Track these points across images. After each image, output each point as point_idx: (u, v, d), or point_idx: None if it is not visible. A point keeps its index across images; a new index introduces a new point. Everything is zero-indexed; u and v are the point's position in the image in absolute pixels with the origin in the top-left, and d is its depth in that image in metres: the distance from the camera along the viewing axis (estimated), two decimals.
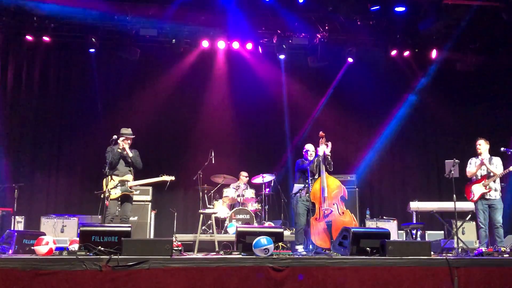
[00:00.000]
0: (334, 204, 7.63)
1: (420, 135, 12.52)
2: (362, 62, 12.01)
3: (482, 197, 8.00)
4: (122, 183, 7.60)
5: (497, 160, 8.17)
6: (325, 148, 7.88)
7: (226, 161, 11.46)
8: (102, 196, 7.62)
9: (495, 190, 8.00)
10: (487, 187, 7.97)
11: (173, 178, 7.95)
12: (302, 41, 11.52)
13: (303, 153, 8.34)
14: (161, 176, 7.86)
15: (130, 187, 7.65)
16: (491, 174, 8.00)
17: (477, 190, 8.05)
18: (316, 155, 8.02)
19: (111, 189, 7.50)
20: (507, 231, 9.09)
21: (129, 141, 7.92)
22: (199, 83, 12.27)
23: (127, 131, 8.03)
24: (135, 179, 7.93)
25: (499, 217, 7.89)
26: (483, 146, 8.21)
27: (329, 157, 7.92)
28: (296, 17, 10.95)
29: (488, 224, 7.98)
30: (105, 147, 7.98)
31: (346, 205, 7.92)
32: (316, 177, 7.91)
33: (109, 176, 7.45)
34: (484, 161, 8.06)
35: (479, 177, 8.12)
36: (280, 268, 5.19)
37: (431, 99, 12.45)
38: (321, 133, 8.01)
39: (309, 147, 8.27)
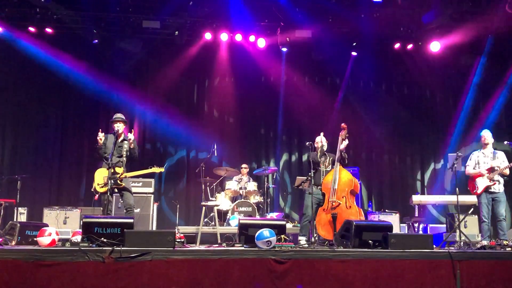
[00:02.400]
0: (343, 197, 7.60)
1: (424, 128, 12.50)
2: (365, 55, 11.99)
3: (486, 190, 7.98)
4: (113, 176, 7.24)
5: (501, 154, 8.14)
6: (345, 144, 7.85)
7: (228, 154, 11.48)
8: (92, 190, 7.55)
9: (499, 183, 7.99)
10: (492, 180, 7.95)
11: (162, 169, 7.70)
12: (305, 34, 11.48)
13: (315, 146, 8.28)
14: (151, 168, 7.71)
15: (121, 180, 7.48)
16: (495, 168, 7.96)
17: (481, 183, 8.01)
18: (324, 154, 7.99)
19: (103, 182, 7.37)
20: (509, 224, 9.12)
21: (118, 125, 7.55)
22: (201, 76, 12.28)
23: (116, 115, 7.77)
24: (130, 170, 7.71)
25: (502, 210, 7.87)
26: (489, 138, 8.19)
27: (343, 153, 7.88)
28: (299, 10, 10.91)
29: (491, 217, 7.96)
30: None
31: None
32: (328, 169, 7.90)
33: (111, 169, 7.26)
34: (486, 176, 8.00)
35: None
36: (282, 260, 5.19)
37: (435, 93, 12.45)
38: (343, 124, 7.90)
39: (317, 139, 8.23)
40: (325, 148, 8.12)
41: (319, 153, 7.96)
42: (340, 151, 7.81)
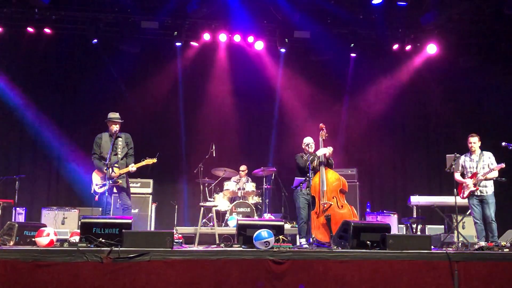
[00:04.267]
0: (333, 198, 7.62)
1: (422, 129, 12.51)
2: (363, 56, 12.00)
3: (472, 193, 7.99)
4: (109, 175, 7.31)
5: (488, 154, 8.14)
6: (325, 151, 7.86)
7: (227, 154, 11.47)
8: (92, 192, 7.59)
9: (485, 186, 7.98)
10: (475, 185, 7.94)
11: (155, 160, 7.73)
12: (304, 35, 11.49)
13: (303, 147, 8.29)
14: (143, 160, 7.72)
15: (116, 178, 7.45)
16: (479, 176, 7.93)
17: (467, 188, 8.04)
18: (311, 155, 7.98)
19: (101, 183, 7.43)
20: (507, 225, 9.11)
21: (117, 126, 7.68)
22: (200, 76, 12.27)
23: (114, 115, 7.84)
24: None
25: (489, 212, 7.83)
26: (477, 144, 8.18)
27: (329, 160, 7.90)
28: (298, 11, 10.89)
29: (482, 218, 7.96)
30: None
31: (346, 198, 7.90)
32: (316, 170, 7.88)
33: (110, 169, 7.29)
34: (472, 182, 8.02)
35: (469, 175, 8.11)
36: (281, 261, 5.20)
37: (433, 94, 12.46)
38: (321, 125, 7.96)
39: (308, 140, 8.22)
40: (312, 149, 8.10)
41: (309, 159, 7.94)
42: (326, 158, 7.83)
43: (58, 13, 10.86)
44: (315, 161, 7.90)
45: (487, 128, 11.41)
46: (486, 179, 7.94)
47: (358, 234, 5.98)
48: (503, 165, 7.89)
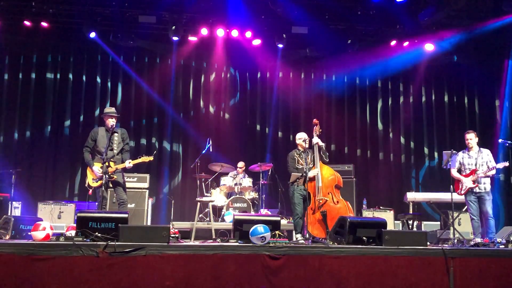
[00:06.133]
0: (328, 194, 7.60)
1: (418, 125, 12.53)
2: (361, 52, 11.99)
3: (470, 190, 7.99)
4: (105, 170, 7.28)
5: (486, 153, 8.14)
6: (318, 140, 7.83)
7: (224, 150, 11.47)
8: (86, 186, 7.58)
9: (484, 183, 7.99)
10: (475, 182, 7.94)
11: (151, 158, 7.72)
12: (301, 31, 11.47)
13: (297, 142, 8.22)
14: (140, 157, 7.70)
15: (111, 173, 7.41)
16: (477, 173, 7.93)
17: (465, 184, 8.02)
18: (305, 150, 7.95)
19: (97, 177, 7.41)
20: (503, 222, 9.14)
21: (113, 120, 7.64)
22: (197, 71, 12.26)
23: (110, 109, 7.80)
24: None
25: (488, 209, 7.83)
26: (473, 140, 8.18)
27: (323, 148, 7.88)
28: (296, 6, 10.87)
29: (480, 215, 7.97)
30: None
31: (343, 194, 7.90)
32: (310, 166, 7.86)
33: (106, 163, 7.28)
34: (470, 178, 8.01)
35: (468, 171, 8.10)
36: (277, 256, 5.19)
37: (429, 90, 12.48)
38: (315, 120, 7.94)
39: (303, 135, 8.18)
40: (307, 144, 8.07)
41: (301, 150, 7.92)
42: (318, 149, 7.81)
43: (55, 7, 10.80)
44: (309, 158, 7.87)
45: (483, 125, 11.48)
46: (486, 176, 7.95)
47: (354, 230, 5.98)
48: (507, 164, 7.87)
